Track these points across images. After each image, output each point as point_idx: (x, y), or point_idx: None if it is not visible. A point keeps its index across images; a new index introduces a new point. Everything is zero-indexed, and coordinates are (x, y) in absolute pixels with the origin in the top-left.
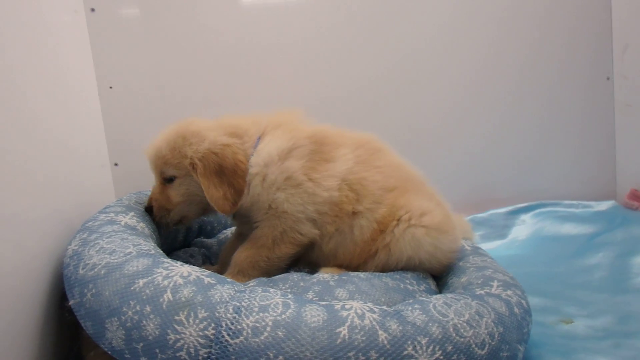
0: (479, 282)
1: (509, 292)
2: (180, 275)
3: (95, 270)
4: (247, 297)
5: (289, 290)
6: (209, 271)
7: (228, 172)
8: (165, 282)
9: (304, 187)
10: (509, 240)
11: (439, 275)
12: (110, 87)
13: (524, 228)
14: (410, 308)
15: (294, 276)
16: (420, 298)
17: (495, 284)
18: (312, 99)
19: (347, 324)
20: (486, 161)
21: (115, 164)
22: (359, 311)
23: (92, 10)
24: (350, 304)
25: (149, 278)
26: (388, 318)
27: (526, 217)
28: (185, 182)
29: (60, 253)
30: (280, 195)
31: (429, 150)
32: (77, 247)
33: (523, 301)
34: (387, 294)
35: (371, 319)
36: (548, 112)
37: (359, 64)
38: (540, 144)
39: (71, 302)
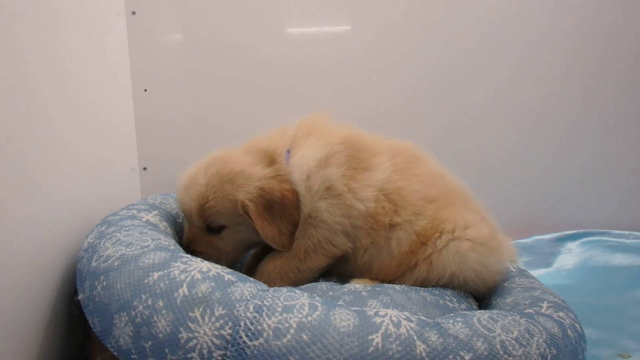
0: (527, 302)
1: (560, 314)
2: (198, 270)
3: (109, 262)
4: (270, 296)
5: (318, 298)
6: (230, 269)
7: (277, 205)
8: (182, 277)
9: (343, 198)
10: (555, 269)
11: (481, 297)
12: (145, 90)
13: (571, 257)
14: (451, 321)
15: (323, 285)
16: (462, 312)
17: (545, 304)
18: (349, 115)
19: (380, 332)
20: (535, 186)
21: (144, 168)
22: (394, 319)
23: (133, 13)
24: (384, 311)
25: (165, 271)
26: (427, 328)
27: (573, 245)
28: (238, 231)
29: (78, 250)
30: (322, 204)
31: (476, 173)
32: (93, 240)
33: (577, 325)
34: (424, 308)
35: (408, 327)
36: (602, 139)
37: (400, 81)
38: (593, 172)
39: (80, 296)
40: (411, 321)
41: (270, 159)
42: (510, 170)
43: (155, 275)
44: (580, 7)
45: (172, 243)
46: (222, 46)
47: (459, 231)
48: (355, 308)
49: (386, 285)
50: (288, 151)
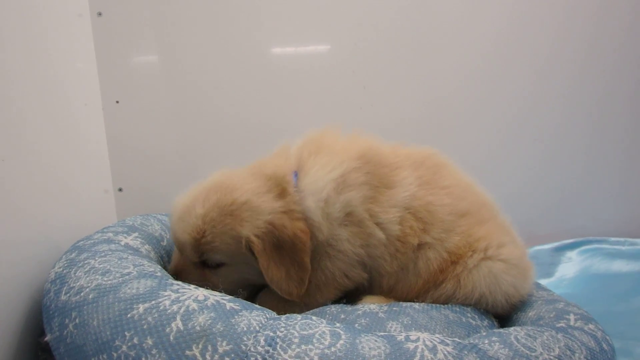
0: (551, 315)
1: (591, 326)
2: (194, 299)
3: (82, 294)
4: (283, 325)
5: None
6: (231, 296)
7: (288, 245)
8: (174, 307)
9: (364, 226)
10: (557, 278)
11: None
12: (117, 102)
13: (571, 266)
14: (486, 341)
15: (332, 309)
16: (495, 330)
17: (572, 317)
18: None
19: (416, 359)
20: (528, 196)
21: (120, 189)
22: (428, 343)
23: (99, 14)
24: (415, 334)
25: (153, 302)
26: (465, 352)
27: (572, 254)
28: (237, 270)
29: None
30: (342, 232)
31: None
32: (61, 270)
33: (607, 337)
34: (449, 327)
35: (445, 352)
36: (592, 146)
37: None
38: (584, 179)
39: (48, 337)
40: (447, 344)
41: (280, 188)
42: (501, 179)
43: (141, 307)
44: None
45: (158, 269)
46: (199, 58)
47: (492, 250)
48: (382, 333)
49: (404, 304)
50: (295, 173)
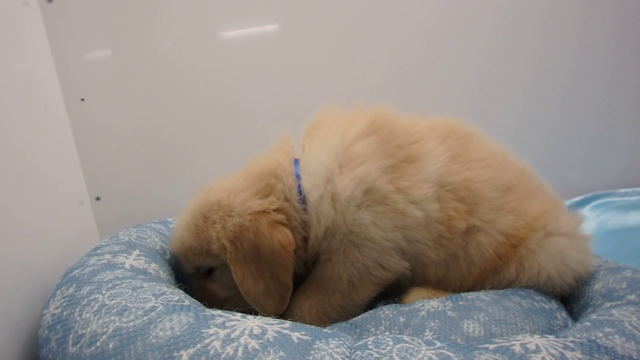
0: (623, 286)
1: None
2: (250, 334)
3: (98, 344)
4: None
5: (387, 333)
6: (287, 321)
7: (266, 255)
8: (229, 350)
9: (392, 202)
10: None
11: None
12: (82, 100)
13: (587, 223)
14: (600, 334)
15: (387, 312)
16: (600, 319)
17: None
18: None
19: None
20: (538, 153)
21: (97, 198)
22: (552, 351)
23: (49, 0)
24: (530, 340)
25: (198, 346)
26: (596, 355)
27: (584, 211)
28: (227, 272)
29: (31, 325)
30: (365, 215)
31: None
32: (59, 311)
33: None
34: (529, 319)
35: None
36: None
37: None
38: (569, 131)
39: None
40: (572, 349)
41: (267, 185)
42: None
43: (184, 355)
44: None
45: (182, 294)
46: (156, 50)
47: (552, 224)
48: (494, 346)
49: (467, 295)
50: (296, 161)
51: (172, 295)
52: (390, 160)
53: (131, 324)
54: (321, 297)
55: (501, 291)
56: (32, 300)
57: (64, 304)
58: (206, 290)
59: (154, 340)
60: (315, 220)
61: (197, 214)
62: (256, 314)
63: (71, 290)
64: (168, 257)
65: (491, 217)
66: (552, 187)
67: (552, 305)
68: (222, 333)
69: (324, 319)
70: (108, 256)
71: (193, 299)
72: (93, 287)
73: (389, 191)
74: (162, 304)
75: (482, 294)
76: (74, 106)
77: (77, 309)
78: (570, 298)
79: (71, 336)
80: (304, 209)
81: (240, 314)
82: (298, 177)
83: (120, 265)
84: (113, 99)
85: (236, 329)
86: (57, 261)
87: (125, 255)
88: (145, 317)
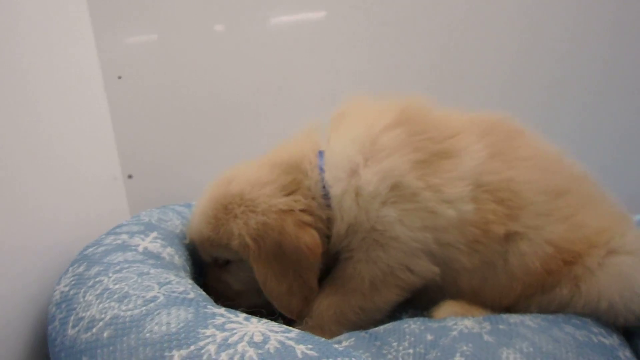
0: None
1: None
2: (249, 342)
3: (94, 330)
4: None
5: (411, 351)
6: (295, 329)
7: (291, 255)
8: (224, 357)
9: (422, 200)
10: None
11: None
12: (119, 77)
13: None
14: None
15: (412, 326)
16: None
17: None
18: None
19: None
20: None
21: (130, 176)
22: None
23: None
24: None
25: (192, 348)
26: None
27: None
28: (243, 267)
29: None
30: (390, 212)
31: None
32: (67, 289)
33: None
34: (583, 355)
35: None
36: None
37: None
38: None
39: None
40: None
41: (293, 180)
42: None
43: (176, 355)
44: None
45: (188, 285)
46: (201, 33)
47: (616, 241)
48: None
49: (508, 318)
50: (321, 153)
51: (177, 286)
52: (421, 154)
53: (129, 313)
54: (340, 297)
55: (551, 317)
56: (55, 275)
57: (73, 282)
58: (220, 281)
59: (147, 334)
60: (338, 217)
61: (217, 205)
62: (268, 311)
63: (81, 268)
64: (187, 241)
65: (536, 223)
66: (618, 199)
67: (614, 340)
68: (219, 336)
69: (342, 321)
70: (125, 236)
71: (200, 291)
72: (101, 269)
73: (419, 187)
74: (164, 294)
75: (527, 319)
76: (111, 84)
77: (82, 290)
78: (637, 332)
79: (72, 317)
80: (328, 205)
81: (244, 315)
82: (322, 170)
83: (134, 248)
84: (151, 78)
85: (235, 333)
86: (89, 235)
87: (142, 236)
88: (143, 308)
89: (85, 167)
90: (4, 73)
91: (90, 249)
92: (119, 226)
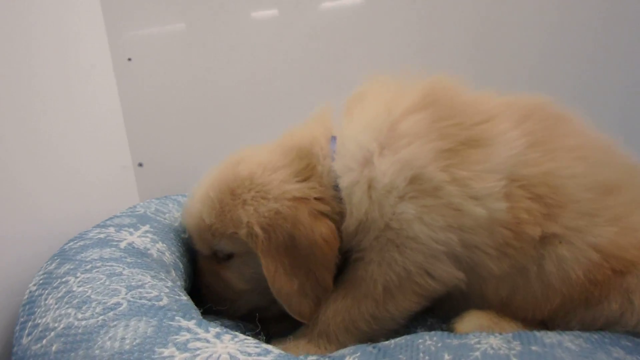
0: None
1: None
2: None
3: (44, 342)
4: None
5: None
6: (276, 350)
7: (304, 249)
8: None
9: (445, 195)
10: None
11: None
12: (129, 59)
13: None
14: None
15: (428, 342)
16: None
17: None
18: None
19: None
20: None
21: (140, 164)
22: None
23: None
24: None
25: None
26: None
27: None
28: (248, 260)
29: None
30: (408, 208)
31: None
32: (35, 288)
33: None
34: None
35: None
36: None
37: None
38: None
39: None
40: None
41: (308, 166)
42: None
43: None
44: None
45: (165, 289)
46: (214, 19)
47: None
48: None
49: (543, 337)
50: (334, 138)
51: (149, 290)
52: (447, 142)
53: (83, 322)
54: (349, 303)
55: (596, 337)
56: None
57: (41, 281)
58: (219, 278)
59: (97, 351)
60: (347, 211)
61: (223, 188)
62: (270, 320)
63: (53, 265)
64: (186, 235)
65: (580, 224)
66: None
67: None
68: (178, 358)
69: (352, 330)
70: (111, 229)
71: (179, 296)
72: (72, 267)
73: (443, 181)
74: (129, 300)
75: (566, 339)
76: (120, 67)
77: (46, 291)
78: None
79: (30, 324)
80: (339, 198)
81: (216, 330)
82: (334, 158)
83: (116, 243)
84: (161, 61)
85: (198, 355)
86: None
87: (131, 230)
88: (100, 317)
89: (95, 156)
90: (12, 63)
91: (70, 243)
92: (110, 218)
